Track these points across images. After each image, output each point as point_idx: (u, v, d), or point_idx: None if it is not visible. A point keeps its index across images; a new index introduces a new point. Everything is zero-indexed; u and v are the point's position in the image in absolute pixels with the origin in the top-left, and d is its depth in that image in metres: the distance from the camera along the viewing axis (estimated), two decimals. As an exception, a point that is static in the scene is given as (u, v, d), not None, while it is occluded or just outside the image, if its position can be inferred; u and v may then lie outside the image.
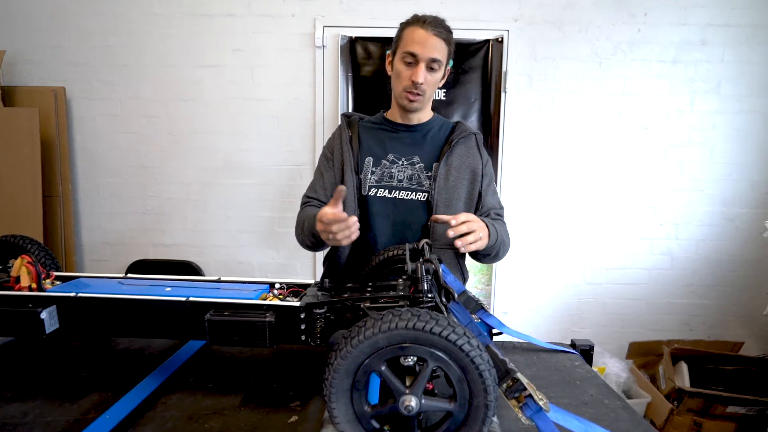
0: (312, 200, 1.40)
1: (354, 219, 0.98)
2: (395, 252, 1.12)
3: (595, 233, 2.58)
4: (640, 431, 0.89)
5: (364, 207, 1.35)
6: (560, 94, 2.47)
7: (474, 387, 0.66)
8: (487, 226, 1.22)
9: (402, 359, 0.70)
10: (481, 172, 1.37)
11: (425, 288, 0.80)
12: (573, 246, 2.59)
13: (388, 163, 1.36)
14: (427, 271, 0.81)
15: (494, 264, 2.52)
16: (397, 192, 1.35)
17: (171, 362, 1.07)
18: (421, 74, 1.24)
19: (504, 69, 2.43)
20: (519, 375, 0.70)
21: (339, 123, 1.46)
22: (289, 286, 1.00)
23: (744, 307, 2.62)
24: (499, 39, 2.40)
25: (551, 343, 1.29)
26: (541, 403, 0.67)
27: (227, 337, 0.84)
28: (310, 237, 1.26)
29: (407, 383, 0.68)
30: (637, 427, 0.91)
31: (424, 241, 0.89)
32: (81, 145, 2.50)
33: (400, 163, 1.36)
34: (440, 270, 0.82)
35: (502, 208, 1.44)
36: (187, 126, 2.48)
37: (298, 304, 0.87)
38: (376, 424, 0.69)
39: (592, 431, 0.72)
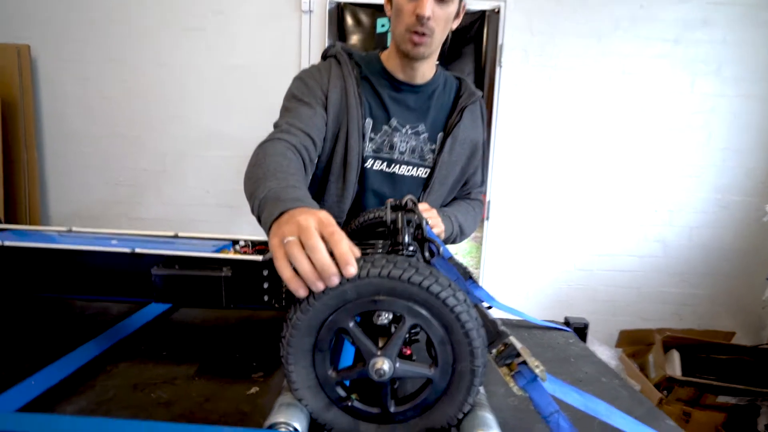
0: (301, 135, 1.00)
1: (354, 265, 0.54)
2: (377, 214, 1.01)
3: (588, 218, 2.51)
4: (641, 410, 0.80)
5: (360, 182, 1.17)
6: (557, 70, 2.37)
7: (459, 350, 0.56)
8: (444, 221, 1.13)
9: (375, 317, 0.59)
10: (481, 148, 1.26)
11: (405, 240, 0.69)
12: (564, 230, 2.51)
13: (390, 130, 1.14)
14: (409, 222, 0.70)
15: (482, 247, 2.43)
16: (397, 166, 1.18)
17: (121, 328, 0.95)
18: (428, 5, 0.95)
19: (500, 42, 2.33)
20: (512, 338, 0.60)
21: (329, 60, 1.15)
22: (256, 243, 0.89)
23: (736, 298, 2.57)
24: (496, 10, 2.29)
25: (544, 320, 1.20)
26: (537, 370, 0.57)
27: (176, 295, 0.72)
28: (257, 215, 0.76)
29: (380, 344, 0.58)
30: (638, 406, 0.81)
31: (408, 196, 0.78)
32: (48, 109, 2.34)
33: (404, 131, 1.17)
34: (424, 222, 0.71)
35: (483, 183, 1.35)
36: (163, 93, 2.34)
37: (260, 258, 0.75)
38: (341, 392, 0.58)
39: (594, 405, 0.62)
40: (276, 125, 1.04)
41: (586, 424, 0.73)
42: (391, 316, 0.59)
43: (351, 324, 0.56)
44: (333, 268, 0.53)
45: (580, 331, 1.18)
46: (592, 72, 2.36)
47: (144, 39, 2.29)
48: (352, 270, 0.53)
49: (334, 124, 1.11)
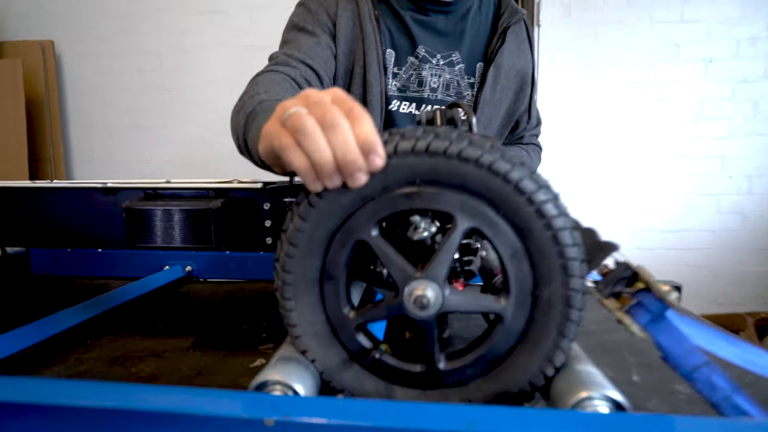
0: (302, 67, 0.82)
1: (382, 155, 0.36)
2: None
3: (648, 190, 2.21)
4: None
5: (386, 126, 0.97)
6: (604, 25, 2.11)
7: (543, 265, 0.36)
8: None
9: (411, 230, 0.40)
10: (531, 78, 1.02)
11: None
12: (621, 205, 2.22)
13: (416, 62, 0.94)
14: (451, 121, 0.51)
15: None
16: (429, 108, 0.97)
17: (111, 298, 0.80)
18: None
19: (537, -1, 2.10)
20: (622, 254, 0.39)
21: None
22: (259, 183, 0.71)
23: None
24: (532, -40, 2.07)
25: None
26: (670, 298, 0.36)
27: (153, 233, 0.56)
28: (243, 137, 0.58)
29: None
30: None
31: (455, 100, 0.59)
32: (73, 104, 2.32)
33: (434, 62, 0.95)
34: (473, 119, 0.51)
35: (539, 124, 1.12)
36: (182, 80, 2.25)
37: (259, 186, 0.58)
38: (365, 342, 0.39)
39: (761, 360, 0.40)
40: (271, 57, 0.85)
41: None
42: (434, 228, 0.39)
43: (374, 233, 0.37)
44: (361, 160, 0.34)
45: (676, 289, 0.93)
46: (645, 24, 2.08)
47: (162, 25, 2.22)
48: (378, 161, 0.34)
49: (347, 57, 0.91)
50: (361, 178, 0.35)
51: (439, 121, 0.51)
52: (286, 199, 0.58)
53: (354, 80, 0.92)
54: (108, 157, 2.35)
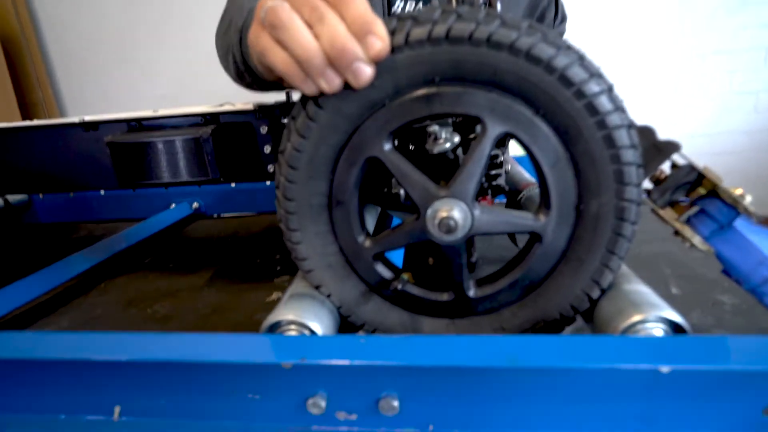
0: None
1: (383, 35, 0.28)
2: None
3: (678, 90, 2.03)
4: None
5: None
6: None
7: (591, 173, 0.30)
8: None
9: (429, 141, 0.33)
10: None
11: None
12: (643, 104, 2.06)
13: None
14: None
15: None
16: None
17: (121, 239, 0.78)
18: None
19: None
20: (684, 155, 0.32)
21: None
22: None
23: None
24: None
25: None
26: (744, 203, 0.30)
27: (144, 170, 0.51)
28: (241, 58, 0.49)
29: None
30: None
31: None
32: (53, 44, 2.17)
33: None
34: (497, 2, 0.42)
35: (564, 20, 0.98)
36: (170, 13, 2.07)
37: (251, 106, 0.51)
38: (384, 271, 0.35)
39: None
40: None
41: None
42: (457, 138, 0.33)
43: (387, 147, 0.31)
44: (356, 47, 0.27)
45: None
46: None
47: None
48: (377, 43, 0.27)
49: None
50: (364, 71, 0.28)
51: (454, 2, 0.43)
52: (285, 120, 0.51)
53: None
54: (100, 96, 2.25)
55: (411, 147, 0.36)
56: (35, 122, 0.56)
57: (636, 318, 0.30)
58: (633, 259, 0.60)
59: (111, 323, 0.56)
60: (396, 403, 0.31)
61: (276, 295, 0.59)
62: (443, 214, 0.30)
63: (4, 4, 2.00)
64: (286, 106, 0.51)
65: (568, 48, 0.28)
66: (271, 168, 0.54)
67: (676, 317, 0.30)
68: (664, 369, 0.27)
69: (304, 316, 0.33)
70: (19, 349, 0.35)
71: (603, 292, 0.33)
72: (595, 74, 0.28)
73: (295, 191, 0.33)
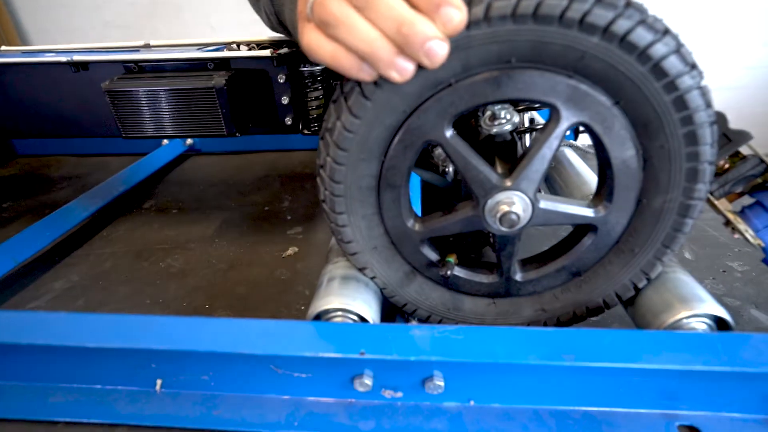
0: None
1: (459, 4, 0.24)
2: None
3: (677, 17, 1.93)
4: None
5: None
6: None
7: (662, 170, 0.28)
8: None
9: (485, 118, 0.31)
10: None
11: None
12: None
13: None
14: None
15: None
16: None
17: (118, 181, 0.74)
18: None
19: None
20: (752, 146, 0.31)
21: None
22: (264, 45, 0.57)
23: None
24: None
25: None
26: (806, 200, 0.30)
27: (149, 121, 0.46)
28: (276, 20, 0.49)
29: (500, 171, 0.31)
30: None
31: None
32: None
33: None
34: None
35: None
36: None
37: (269, 53, 0.46)
38: (430, 254, 0.34)
39: None
40: None
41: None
42: (517, 119, 0.30)
43: (449, 133, 0.29)
44: (426, 25, 0.23)
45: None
46: None
47: None
48: (455, 15, 0.23)
49: None
50: (440, 50, 0.24)
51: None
52: (305, 68, 0.46)
53: None
54: (63, 6, 2.00)
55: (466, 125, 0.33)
56: (15, 59, 0.49)
57: (683, 314, 0.30)
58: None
59: (124, 278, 0.55)
60: (442, 382, 0.32)
61: (292, 250, 0.59)
62: (505, 207, 0.29)
63: None
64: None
65: (667, 33, 0.25)
66: (288, 120, 0.50)
67: (723, 313, 0.30)
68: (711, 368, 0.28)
69: (352, 303, 0.32)
70: (71, 337, 0.34)
71: (649, 281, 0.33)
72: (691, 65, 0.25)
73: (342, 174, 0.30)
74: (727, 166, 0.32)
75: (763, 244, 0.32)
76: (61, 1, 1.99)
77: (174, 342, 0.31)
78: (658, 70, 0.25)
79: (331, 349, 0.29)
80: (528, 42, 0.25)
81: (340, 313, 0.32)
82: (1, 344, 0.34)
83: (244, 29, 1.97)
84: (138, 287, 0.53)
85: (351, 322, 0.32)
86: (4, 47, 0.62)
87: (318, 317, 0.32)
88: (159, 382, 0.36)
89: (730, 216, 0.32)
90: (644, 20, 0.24)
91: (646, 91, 0.26)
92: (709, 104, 0.26)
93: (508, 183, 0.29)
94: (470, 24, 0.25)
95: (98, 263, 0.58)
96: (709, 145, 0.27)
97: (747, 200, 0.35)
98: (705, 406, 0.32)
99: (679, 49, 0.25)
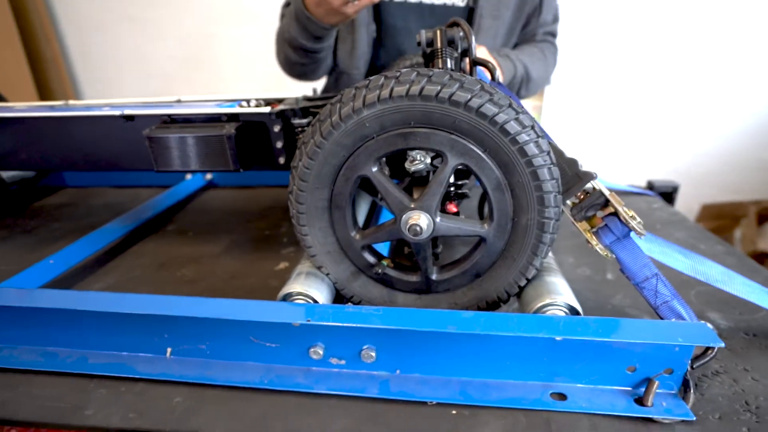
0: None
1: None
2: (417, 60, 0.81)
3: (668, 74, 2.07)
4: (758, 279, 0.63)
5: (377, 20, 0.98)
6: None
7: (522, 197, 0.41)
8: (501, 61, 0.88)
9: (407, 162, 0.44)
10: None
11: (449, 66, 0.51)
12: (637, 91, 2.12)
13: None
14: (451, 43, 0.51)
15: (541, 115, 2.13)
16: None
17: (146, 208, 0.89)
18: None
19: None
20: (597, 182, 0.43)
21: None
22: (270, 101, 0.73)
23: None
24: None
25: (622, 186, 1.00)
26: (633, 223, 0.41)
27: (176, 159, 0.61)
28: (298, 31, 0.87)
29: (415, 196, 0.44)
30: (753, 275, 0.65)
31: (453, 19, 0.57)
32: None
33: None
34: (472, 40, 0.51)
35: (555, 21, 1.05)
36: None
37: (267, 110, 0.61)
38: (369, 258, 0.47)
39: (705, 268, 0.46)
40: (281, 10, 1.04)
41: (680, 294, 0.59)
42: (428, 160, 0.44)
43: (374, 169, 0.42)
44: None
45: (668, 195, 0.98)
46: None
47: None
48: None
49: None
50: None
51: (439, 43, 0.52)
52: (294, 121, 0.61)
53: None
54: (107, 53, 2.28)
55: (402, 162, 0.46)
56: (80, 113, 0.66)
57: (545, 301, 0.42)
58: (583, 248, 0.71)
59: (148, 283, 0.68)
60: (374, 353, 0.43)
61: (283, 264, 0.72)
62: (412, 221, 0.42)
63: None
64: (296, 111, 0.61)
65: (509, 106, 0.38)
66: (281, 160, 0.64)
67: (574, 303, 0.42)
68: (558, 338, 0.39)
69: (310, 289, 0.44)
70: (99, 303, 0.47)
71: (528, 281, 0.45)
72: (528, 127, 0.38)
73: (304, 198, 0.44)
74: (582, 197, 0.44)
75: (610, 256, 0.44)
76: (110, 55, 2.28)
77: (181, 310, 0.44)
78: (503, 130, 0.38)
79: (288, 317, 0.41)
80: (419, 112, 0.39)
81: (300, 296, 0.44)
82: (60, 312, 0.47)
83: (263, 75, 2.21)
84: (159, 289, 0.66)
85: (307, 303, 0.44)
86: (71, 102, 0.80)
87: (285, 298, 0.45)
88: (169, 350, 0.48)
89: (587, 234, 0.44)
90: (491, 98, 0.38)
91: (500, 144, 0.39)
92: (544, 152, 0.39)
93: (415, 204, 0.42)
94: (381, 100, 0.39)
95: (129, 271, 0.72)
96: (548, 181, 0.40)
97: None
98: (574, 380, 0.43)
99: (517, 116, 0.38)
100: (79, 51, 2.27)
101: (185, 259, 0.75)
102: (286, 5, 1.03)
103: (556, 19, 1.04)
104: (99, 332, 0.48)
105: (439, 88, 0.37)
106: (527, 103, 1.60)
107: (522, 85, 0.95)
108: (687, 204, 2.31)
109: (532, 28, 1.01)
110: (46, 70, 2.17)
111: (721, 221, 2.17)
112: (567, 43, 1.20)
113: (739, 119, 2.14)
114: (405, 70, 0.39)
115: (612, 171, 2.29)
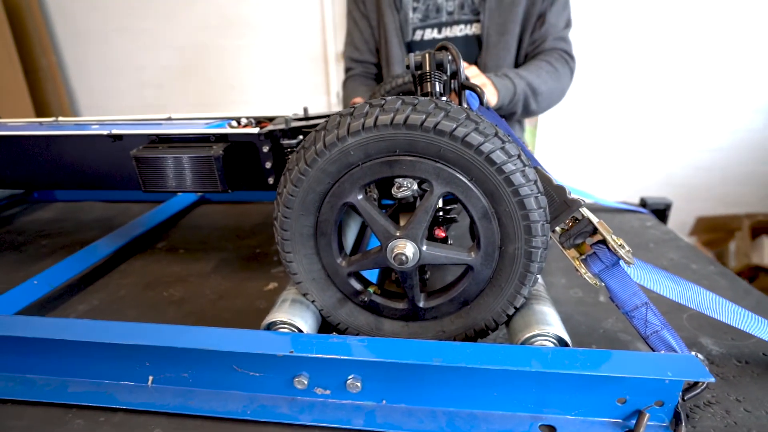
0: (357, 64, 1.16)
1: None
2: (407, 78, 0.81)
3: (663, 88, 2.09)
4: (749, 302, 0.63)
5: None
6: None
7: (509, 226, 0.40)
8: (497, 82, 0.89)
9: (394, 188, 0.44)
10: None
11: (436, 90, 0.51)
12: (631, 105, 2.13)
13: None
14: (440, 66, 0.51)
15: (537, 122, 2.14)
16: (448, 29, 1.06)
17: (135, 225, 0.88)
18: None
19: None
20: (585, 210, 0.43)
21: None
22: (260, 120, 0.73)
23: None
24: None
25: (616, 202, 1.00)
26: (621, 252, 0.41)
27: (164, 179, 0.61)
28: None
29: (401, 224, 0.43)
30: (745, 297, 0.64)
31: (442, 43, 0.57)
32: (56, 10, 2.18)
33: None
34: (460, 64, 0.51)
35: (567, 27, 1.05)
36: (170, -24, 2.08)
37: (256, 131, 0.60)
38: (356, 285, 0.46)
39: (695, 295, 0.46)
40: (346, 45, 1.20)
41: (671, 319, 0.59)
42: (415, 186, 0.43)
43: (359, 197, 0.41)
44: None
45: (660, 213, 0.98)
46: None
47: None
48: None
49: (374, 9, 1.09)
50: None
51: (427, 66, 0.52)
52: (283, 141, 0.61)
53: (379, 20, 1.09)
54: (103, 63, 2.28)
55: (388, 187, 0.46)
56: (67, 132, 0.65)
57: (533, 332, 0.41)
58: (574, 270, 0.70)
59: (134, 304, 0.67)
60: (359, 383, 0.42)
61: (272, 285, 0.71)
62: (398, 250, 0.41)
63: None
64: (285, 132, 0.60)
65: (495, 135, 0.38)
66: (270, 180, 0.64)
67: (563, 334, 0.41)
68: (544, 370, 0.38)
69: (294, 317, 0.44)
70: (86, 334, 0.46)
71: (517, 310, 0.44)
72: (514, 156, 0.38)
73: (289, 224, 0.43)
74: (570, 224, 0.43)
75: (599, 284, 0.43)
76: (108, 64, 2.28)
77: (163, 340, 0.43)
78: (489, 159, 0.38)
79: (271, 348, 0.41)
80: (404, 140, 0.38)
81: (285, 325, 0.43)
82: (38, 340, 0.46)
83: (259, 87, 2.21)
84: (143, 311, 0.65)
85: (291, 331, 0.43)
86: (61, 118, 0.79)
87: (268, 327, 0.44)
88: (150, 378, 0.47)
89: (575, 262, 0.44)
90: (477, 127, 0.37)
91: (486, 173, 0.38)
92: (531, 181, 0.38)
93: (401, 233, 0.41)
94: (366, 128, 0.38)
95: (114, 291, 0.71)
96: (535, 210, 0.39)
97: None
98: (564, 411, 0.42)
99: (503, 146, 0.38)
100: (75, 61, 2.27)
101: (173, 278, 0.74)
102: (348, 69, 1.20)
103: (568, 25, 1.04)
104: (79, 360, 0.47)
105: (424, 117, 0.37)
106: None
107: (529, 101, 0.96)
108: (681, 217, 2.32)
109: (541, 35, 1.01)
110: (42, 80, 2.17)
111: (715, 234, 2.17)
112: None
113: (733, 134, 2.15)
114: (390, 98, 0.39)
115: (606, 184, 2.30)
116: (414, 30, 1.07)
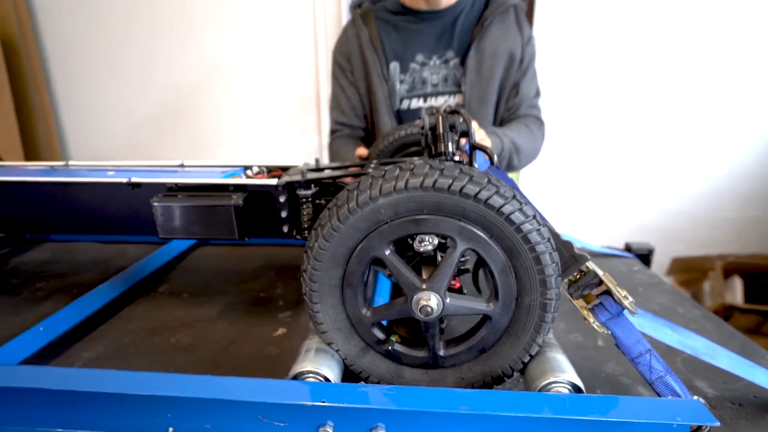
0: (342, 128, 1.23)
1: None
2: (410, 130, 0.86)
3: (637, 141, 2.24)
4: (734, 345, 0.67)
5: (397, 119, 1.19)
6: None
7: (525, 279, 0.44)
8: (489, 136, 1.00)
9: (417, 242, 0.47)
10: (519, 56, 1.12)
11: (449, 149, 0.55)
12: (609, 155, 2.27)
13: (417, 67, 1.15)
14: (452, 127, 0.56)
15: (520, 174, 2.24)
16: (433, 99, 1.16)
17: (137, 269, 0.88)
18: None
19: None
20: (591, 263, 0.47)
21: (345, 20, 1.28)
22: (271, 168, 0.77)
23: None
24: None
25: (602, 247, 1.06)
26: (626, 302, 0.44)
27: (182, 227, 0.62)
28: None
29: (424, 276, 0.46)
30: (729, 340, 0.69)
31: (450, 103, 0.63)
32: (52, 50, 2.22)
33: (431, 63, 1.14)
34: (472, 125, 0.56)
35: (537, 95, 1.19)
36: (166, 19, 2.15)
37: (274, 182, 0.63)
38: (379, 334, 0.48)
39: (691, 342, 0.50)
40: (332, 109, 1.27)
41: (667, 363, 0.62)
42: (435, 241, 0.46)
43: (387, 252, 0.44)
44: None
45: (644, 257, 1.04)
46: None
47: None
48: None
49: (362, 77, 1.18)
50: None
51: (440, 128, 0.56)
52: (300, 192, 0.64)
53: (368, 89, 1.17)
54: (97, 105, 2.30)
55: (409, 241, 0.49)
56: (87, 179, 0.67)
57: (549, 379, 0.43)
58: (575, 314, 0.74)
59: (141, 351, 0.67)
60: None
61: (281, 331, 0.71)
62: (423, 302, 0.44)
63: (4, 5, 2.04)
64: (301, 183, 0.63)
65: (514, 198, 0.42)
66: (285, 229, 0.66)
67: (577, 381, 0.44)
68: (564, 417, 0.41)
69: (321, 367, 0.45)
70: (104, 384, 0.46)
71: (531, 357, 0.47)
72: (530, 216, 0.42)
73: (318, 276, 0.45)
74: (578, 276, 0.47)
75: (605, 332, 0.46)
76: (99, 104, 2.30)
77: (187, 391, 0.43)
78: (509, 220, 0.41)
79: (301, 398, 0.42)
80: (432, 201, 0.42)
81: (312, 375, 0.45)
82: (49, 392, 0.46)
83: (251, 129, 2.26)
84: (153, 358, 0.65)
85: (319, 381, 0.45)
86: (72, 162, 0.80)
87: (296, 377, 0.45)
88: (170, 429, 0.47)
89: (584, 312, 0.47)
90: (498, 191, 0.41)
91: (506, 231, 0.42)
92: (546, 239, 0.42)
93: (426, 285, 0.44)
94: (397, 190, 0.42)
95: (119, 338, 0.71)
96: (550, 265, 0.43)
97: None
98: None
99: (521, 207, 0.42)
100: (67, 100, 2.28)
101: (179, 323, 0.74)
102: (334, 131, 1.28)
103: (537, 94, 1.16)
104: (94, 412, 0.47)
105: (451, 181, 0.41)
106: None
107: (513, 157, 1.07)
108: (658, 258, 2.42)
109: (517, 102, 1.12)
110: (33, 120, 2.16)
111: (690, 274, 2.27)
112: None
113: (707, 180, 2.30)
114: (418, 163, 0.42)
115: (586, 229, 2.40)
116: (401, 99, 1.17)
